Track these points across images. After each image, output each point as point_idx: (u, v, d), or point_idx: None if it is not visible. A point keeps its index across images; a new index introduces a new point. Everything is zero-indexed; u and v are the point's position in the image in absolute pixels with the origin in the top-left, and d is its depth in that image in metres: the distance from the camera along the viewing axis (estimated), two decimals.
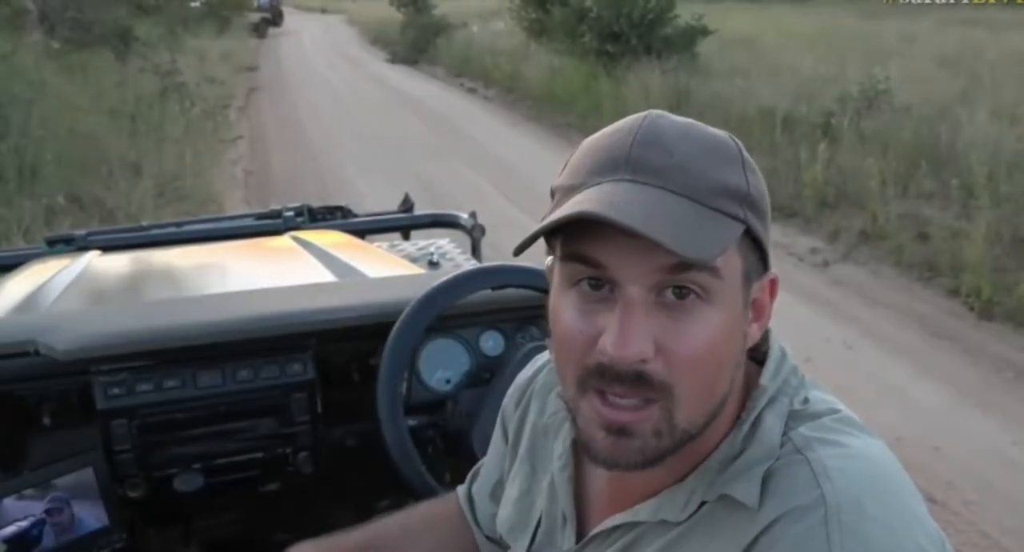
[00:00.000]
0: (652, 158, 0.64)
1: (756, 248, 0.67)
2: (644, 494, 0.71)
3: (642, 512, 0.71)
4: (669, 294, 0.63)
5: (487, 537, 0.97)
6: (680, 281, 0.63)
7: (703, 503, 0.67)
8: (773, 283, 0.71)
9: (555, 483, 0.81)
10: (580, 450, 0.78)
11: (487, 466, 0.99)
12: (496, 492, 0.94)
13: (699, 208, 0.63)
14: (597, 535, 0.75)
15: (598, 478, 0.78)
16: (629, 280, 0.63)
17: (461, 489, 1.03)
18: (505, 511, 0.88)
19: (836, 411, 0.69)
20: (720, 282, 0.63)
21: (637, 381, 0.63)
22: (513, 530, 0.86)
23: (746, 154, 0.68)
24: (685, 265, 0.61)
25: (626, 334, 0.62)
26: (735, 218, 0.64)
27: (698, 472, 0.68)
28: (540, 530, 0.83)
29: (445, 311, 1.32)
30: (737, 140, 0.69)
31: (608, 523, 0.74)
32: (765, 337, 0.73)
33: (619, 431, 0.64)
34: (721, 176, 0.64)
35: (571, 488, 0.79)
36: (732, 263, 0.65)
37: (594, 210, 0.60)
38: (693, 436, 0.66)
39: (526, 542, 0.84)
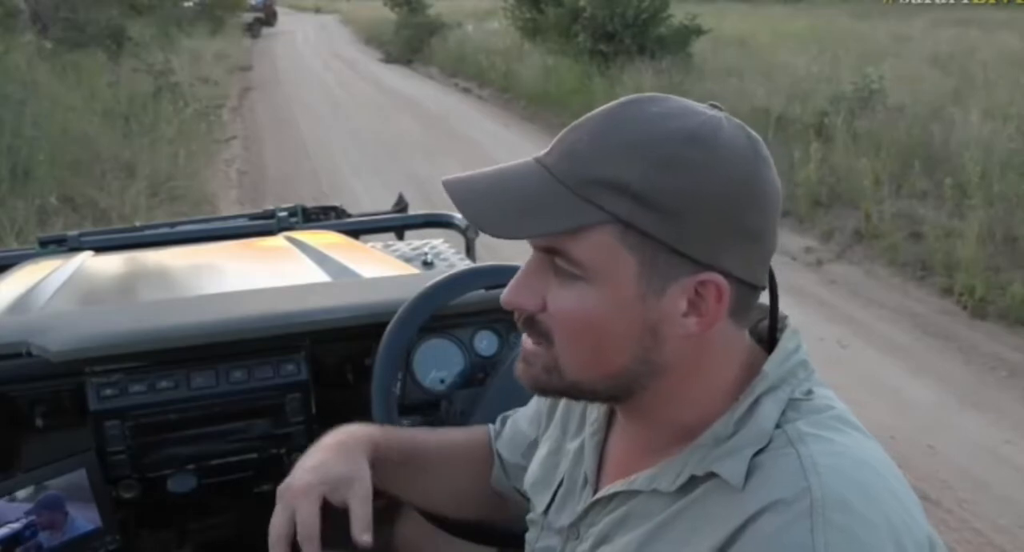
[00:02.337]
0: (565, 139, 0.70)
1: (669, 249, 0.66)
2: (645, 466, 0.75)
3: (639, 481, 0.74)
4: (560, 261, 0.70)
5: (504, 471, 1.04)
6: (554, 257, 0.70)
7: (692, 478, 0.69)
8: (709, 284, 0.67)
9: (585, 446, 0.85)
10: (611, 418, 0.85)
11: (520, 422, 1.04)
12: (529, 453, 0.99)
13: (564, 193, 0.67)
14: (599, 501, 0.79)
15: (616, 447, 0.83)
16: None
17: (493, 425, 1.09)
18: (533, 467, 0.95)
19: (835, 408, 0.70)
20: (582, 269, 0.68)
21: (528, 324, 0.74)
22: (536, 485, 0.92)
23: (693, 157, 0.64)
24: (549, 247, 0.69)
25: (513, 286, 0.73)
26: (602, 209, 0.65)
27: (692, 447, 0.71)
28: (560, 490, 0.87)
29: (439, 311, 1.31)
30: (700, 145, 0.65)
31: (609, 489, 0.78)
32: (778, 328, 0.75)
33: (523, 357, 0.76)
34: (608, 168, 0.66)
35: (597, 453, 0.84)
36: (610, 255, 0.67)
37: (448, 180, 0.71)
38: (596, 392, 0.74)
39: (547, 499, 0.89)
